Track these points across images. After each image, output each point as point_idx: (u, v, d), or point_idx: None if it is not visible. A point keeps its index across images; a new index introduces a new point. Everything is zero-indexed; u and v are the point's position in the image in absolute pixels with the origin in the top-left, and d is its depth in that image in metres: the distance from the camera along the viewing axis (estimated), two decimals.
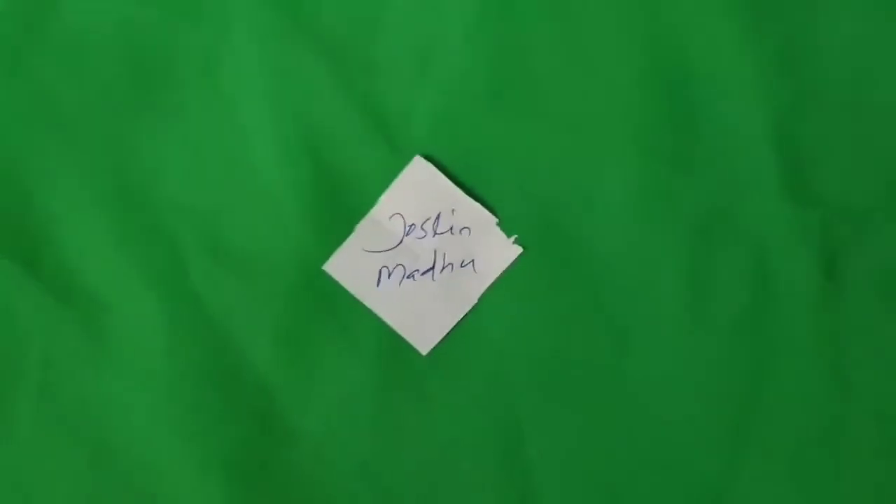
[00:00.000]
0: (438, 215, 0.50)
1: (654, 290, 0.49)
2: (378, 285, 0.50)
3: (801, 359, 0.49)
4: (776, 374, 0.49)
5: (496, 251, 0.50)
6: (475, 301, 0.50)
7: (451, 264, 0.50)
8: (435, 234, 0.50)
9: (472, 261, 0.50)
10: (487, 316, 0.50)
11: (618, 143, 0.50)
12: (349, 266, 0.50)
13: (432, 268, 0.50)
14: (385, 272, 0.50)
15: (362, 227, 0.50)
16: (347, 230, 0.50)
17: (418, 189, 0.50)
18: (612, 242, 0.50)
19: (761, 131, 0.49)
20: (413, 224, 0.50)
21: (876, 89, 0.50)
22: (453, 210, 0.50)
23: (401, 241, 0.50)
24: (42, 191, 0.50)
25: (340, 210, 0.50)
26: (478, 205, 0.50)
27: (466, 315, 0.50)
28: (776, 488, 0.49)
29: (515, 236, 0.50)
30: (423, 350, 0.50)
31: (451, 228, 0.50)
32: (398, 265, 0.50)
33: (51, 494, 0.49)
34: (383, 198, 0.50)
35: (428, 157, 0.50)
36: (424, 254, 0.50)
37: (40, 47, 0.51)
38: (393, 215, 0.50)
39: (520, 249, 0.50)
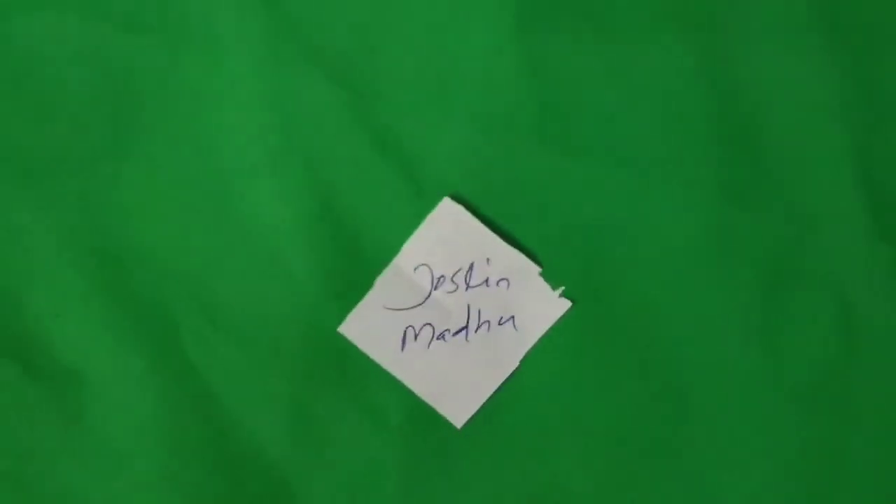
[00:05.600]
0: (471, 265, 0.47)
1: (720, 346, 0.47)
2: (403, 348, 0.48)
3: (894, 420, 0.47)
4: (864, 440, 0.47)
5: (540, 306, 0.47)
6: (516, 364, 0.47)
7: (488, 322, 0.47)
8: (468, 287, 0.48)
9: (512, 317, 0.47)
10: (531, 381, 0.47)
11: (674, 177, 0.47)
12: (369, 327, 0.47)
13: (466, 326, 0.48)
14: (411, 333, 0.48)
15: (383, 281, 0.47)
16: (366, 285, 0.48)
17: (447, 235, 0.47)
18: (672, 293, 0.47)
19: (839, 158, 0.47)
20: (442, 276, 0.47)
21: None
22: (489, 259, 0.47)
23: (428, 296, 0.48)
24: (5, 249, 0.48)
25: (357, 262, 0.47)
26: (517, 252, 0.47)
27: (507, 380, 0.47)
28: None
29: (562, 288, 0.47)
30: (458, 422, 0.47)
31: (487, 280, 0.47)
32: (426, 324, 0.48)
33: None
34: (407, 246, 0.47)
35: (457, 199, 0.48)
36: (456, 310, 0.48)
37: None
38: (418, 266, 0.47)
39: (567, 303, 0.47)
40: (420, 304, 0.47)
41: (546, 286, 0.47)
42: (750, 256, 0.47)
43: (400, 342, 0.47)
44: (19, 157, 0.48)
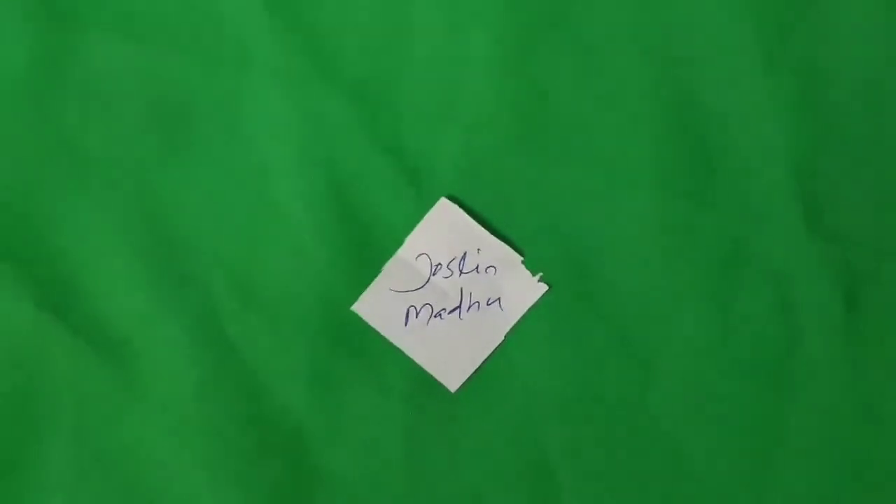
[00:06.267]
0: (464, 255, 0.50)
1: (678, 324, 0.49)
2: (406, 324, 0.50)
3: (826, 392, 0.49)
4: (801, 407, 0.49)
5: (522, 289, 0.50)
6: (502, 338, 0.50)
7: (478, 302, 0.50)
8: (461, 273, 0.50)
9: (499, 299, 0.50)
10: (514, 353, 0.50)
11: (639, 179, 0.50)
12: (377, 306, 0.50)
13: (459, 306, 0.50)
14: (413, 311, 0.50)
15: (389, 268, 0.50)
16: (375, 271, 0.50)
17: (444, 229, 0.50)
18: (636, 278, 0.49)
19: (781, 164, 0.49)
20: (439, 263, 0.50)
21: None
22: (479, 249, 0.50)
23: (427, 281, 0.50)
24: (70, 238, 0.50)
25: (367, 251, 0.50)
26: (503, 244, 0.50)
27: (494, 352, 0.50)
28: None
29: (540, 274, 0.50)
30: (452, 387, 0.50)
31: (477, 267, 0.50)
32: (425, 304, 0.50)
33: None
34: (410, 238, 0.50)
35: (453, 198, 0.50)
36: (451, 292, 0.50)
37: (64, 94, 0.50)
38: (419, 255, 0.50)
39: (545, 287, 0.50)
40: (420, 288, 0.50)
41: (527, 272, 0.50)
42: (702, 247, 0.49)
43: (403, 319, 0.50)
44: (83, 158, 0.50)
